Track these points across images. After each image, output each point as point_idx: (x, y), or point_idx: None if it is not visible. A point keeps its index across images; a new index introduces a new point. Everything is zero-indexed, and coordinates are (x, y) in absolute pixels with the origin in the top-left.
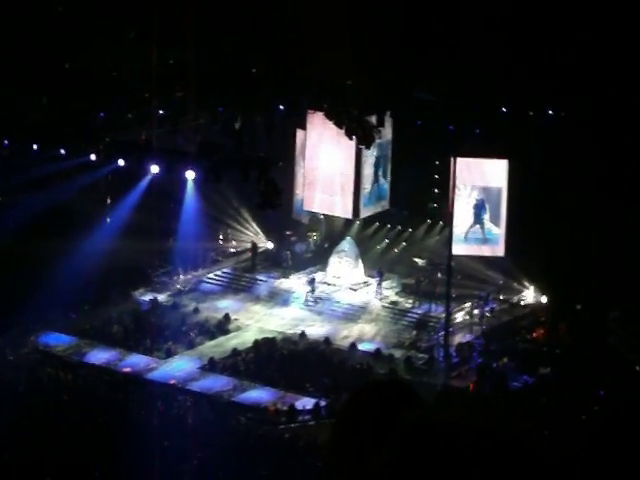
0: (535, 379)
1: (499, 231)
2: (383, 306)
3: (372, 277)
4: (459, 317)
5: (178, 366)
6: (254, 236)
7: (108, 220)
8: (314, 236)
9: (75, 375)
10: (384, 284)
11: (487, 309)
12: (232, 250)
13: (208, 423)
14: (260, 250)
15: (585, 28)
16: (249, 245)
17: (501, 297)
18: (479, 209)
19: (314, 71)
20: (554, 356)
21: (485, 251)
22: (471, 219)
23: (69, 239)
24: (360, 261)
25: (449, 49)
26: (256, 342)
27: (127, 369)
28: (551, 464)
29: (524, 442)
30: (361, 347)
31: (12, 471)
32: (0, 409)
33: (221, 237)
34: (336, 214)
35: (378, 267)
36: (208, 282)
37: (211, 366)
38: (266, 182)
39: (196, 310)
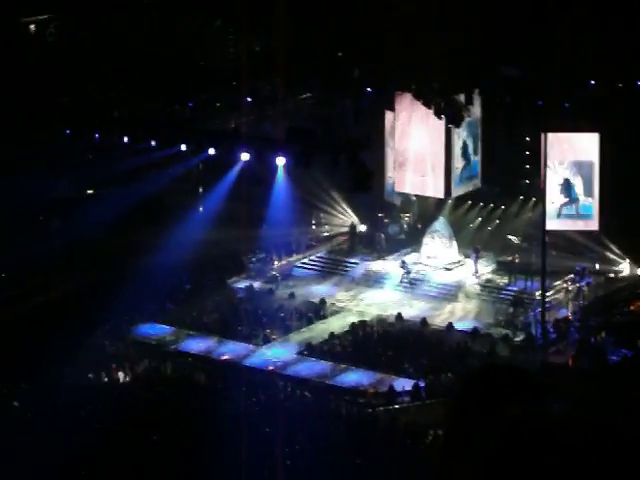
0: (634, 352)
1: (593, 205)
2: (479, 285)
3: (467, 256)
4: (555, 293)
5: (276, 352)
6: (351, 218)
7: (201, 209)
8: (407, 217)
9: (174, 364)
10: (480, 262)
11: (583, 284)
12: (325, 234)
13: (308, 408)
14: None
15: None
16: (342, 229)
17: (597, 271)
18: (567, 189)
19: (401, 52)
20: None
21: (579, 225)
22: (563, 196)
23: (163, 230)
24: (454, 240)
25: (535, 23)
26: (353, 325)
27: (225, 357)
28: None
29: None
30: (458, 326)
31: (117, 462)
32: (103, 402)
33: (314, 222)
34: (428, 194)
35: (474, 245)
36: (303, 267)
37: (309, 351)
38: (357, 165)
39: (292, 296)
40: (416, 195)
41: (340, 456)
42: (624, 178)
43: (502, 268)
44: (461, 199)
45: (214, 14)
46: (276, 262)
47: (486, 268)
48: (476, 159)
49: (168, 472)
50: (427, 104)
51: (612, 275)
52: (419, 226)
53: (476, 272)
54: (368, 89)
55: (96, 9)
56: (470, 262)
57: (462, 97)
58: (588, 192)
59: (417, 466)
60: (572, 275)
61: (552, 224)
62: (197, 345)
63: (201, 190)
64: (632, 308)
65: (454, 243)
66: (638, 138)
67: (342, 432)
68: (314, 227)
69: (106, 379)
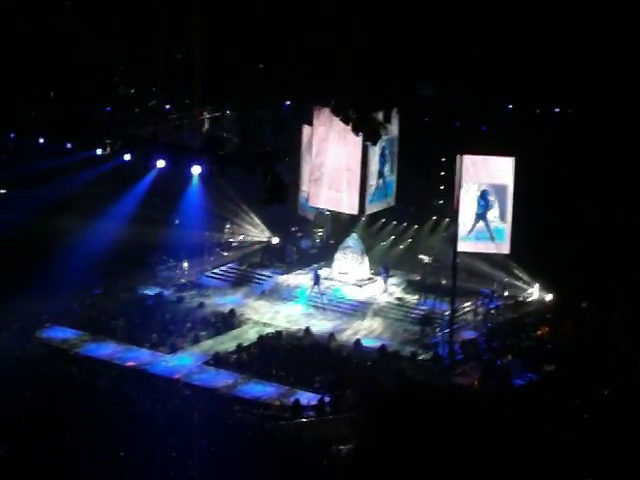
0: (539, 376)
1: (505, 228)
2: (388, 302)
3: (377, 273)
4: (464, 314)
5: (183, 361)
6: (263, 231)
7: (114, 214)
8: (320, 232)
9: (79, 369)
10: (390, 280)
11: (492, 306)
12: (238, 245)
13: (212, 418)
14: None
15: (593, 25)
16: (255, 240)
17: (506, 294)
18: (483, 207)
19: (321, 67)
20: (558, 354)
21: (491, 248)
22: (475, 216)
23: (74, 233)
24: (366, 257)
25: (456, 45)
26: (261, 337)
27: (131, 363)
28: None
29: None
30: (366, 343)
31: (15, 465)
32: (6, 403)
33: (226, 232)
34: (342, 210)
35: (384, 263)
36: (214, 277)
37: (216, 361)
38: (272, 177)
39: (201, 305)
40: (330, 210)
41: (243, 468)
42: (537, 203)
43: (412, 287)
44: (375, 216)
45: (136, 20)
46: (187, 270)
47: (396, 286)
48: (391, 177)
49: (69, 474)
50: (345, 120)
51: (521, 299)
52: (332, 241)
53: (386, 290)
54: (287, 102)
55: (17, 8)
56: (380, 279)
57: (380, 115)
58: (501, 216)
59: None
60: (481, 297)
61: (464, 246)
62: (104, 350)
63: (115, 195)
64: (539, 333)
65: (366, 260)
66: (552, 164)
67: (246, 444)
68: (226, 237)
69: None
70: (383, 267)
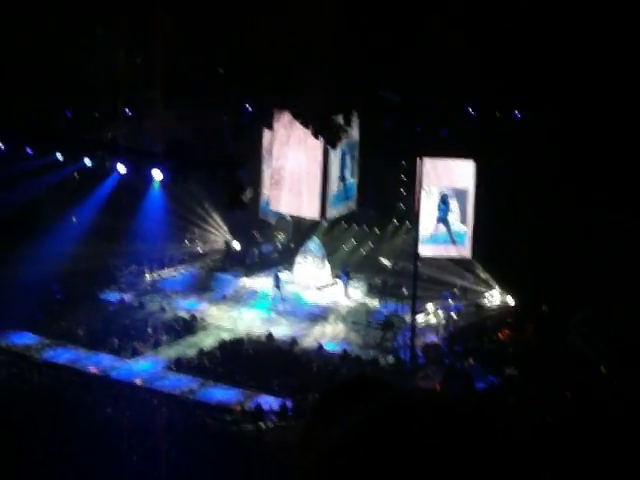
0: (501, 380)
1: (466, 232)
2: (350, 306)
3: (338, 278)
4: (425, 318)
5: (144, 366)
6: (225, 236)
7: (74, 219)
8: (281, 236)
9: (41, 374)
10: (351, 284)
11: (453, 310)
12: (199, 250)
13: (174, 423)
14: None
15: (553, 28)
16: (217, 245)
17: (467, 298)
18: (444, 211)
19: (281, 71)
20: (520, 357)
21: (452, 252)
22: (436, 220)
23: (35, 238)
24: (327, 261)
25: (415, 49)
26: (222, 342)
27: (93, 368)
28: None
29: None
30: (328, 348)
31: None
32: None
33: (188, 237)
34: (303, 214)
35: (344, 267)
36: (175, 281)
37: (177, 366)
38: (233, 182)
39: (162, 310)
40: (291, 215)
41: (206, 473)
42: (498, 207)
43: (373, 291)
44: (336, 221)
45: (96, 22)
46: (148, 275)
47: (357, 290)
48: (352, 181)
49: None
50: (305, 124)
51: (482, 302)
52: (293, 246)
53: (347, 294)
54: (247, 106)
55: None
56: (341, 284)
57: (340, 118)
58: (463, 220)
59: None
60: (443, 301)
61: (425, 249)
62: (65, 356)
63: (76, 200)
64: (501, 336)
65: (327, 264)
66: (512, 167)
67: (208, 449)
68: (188, 242)
69: None
70: (344, 271)
